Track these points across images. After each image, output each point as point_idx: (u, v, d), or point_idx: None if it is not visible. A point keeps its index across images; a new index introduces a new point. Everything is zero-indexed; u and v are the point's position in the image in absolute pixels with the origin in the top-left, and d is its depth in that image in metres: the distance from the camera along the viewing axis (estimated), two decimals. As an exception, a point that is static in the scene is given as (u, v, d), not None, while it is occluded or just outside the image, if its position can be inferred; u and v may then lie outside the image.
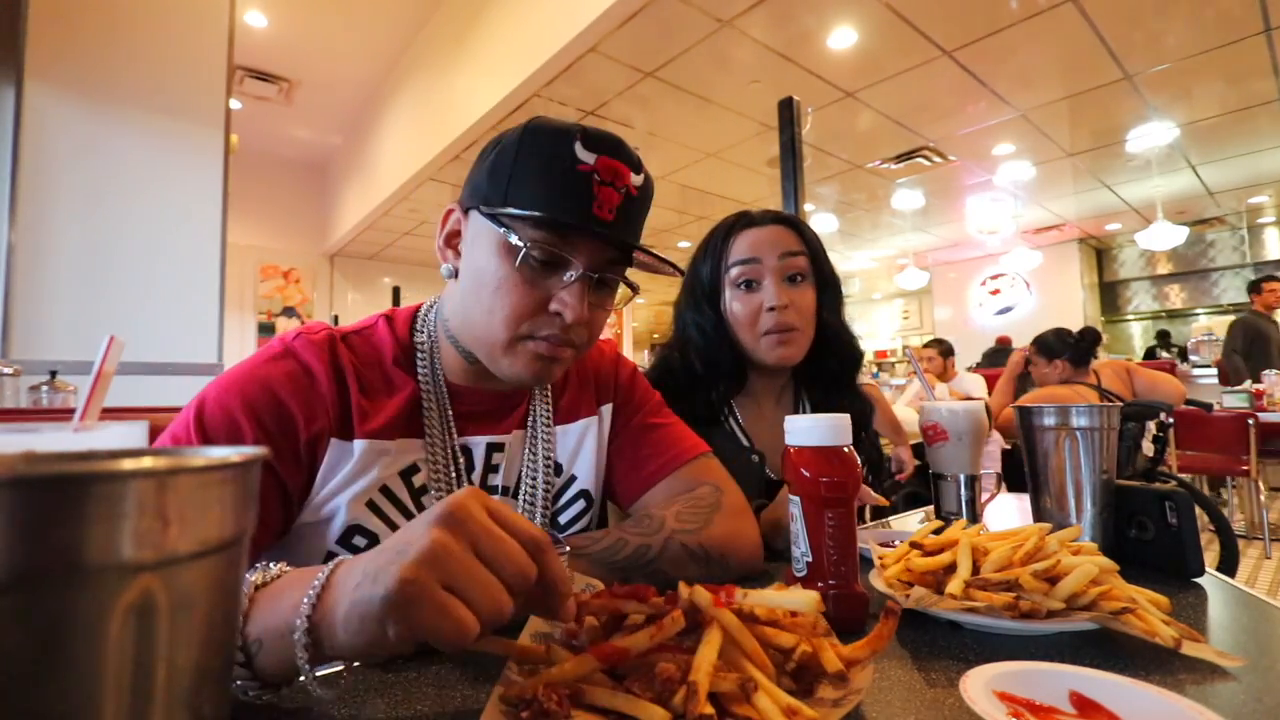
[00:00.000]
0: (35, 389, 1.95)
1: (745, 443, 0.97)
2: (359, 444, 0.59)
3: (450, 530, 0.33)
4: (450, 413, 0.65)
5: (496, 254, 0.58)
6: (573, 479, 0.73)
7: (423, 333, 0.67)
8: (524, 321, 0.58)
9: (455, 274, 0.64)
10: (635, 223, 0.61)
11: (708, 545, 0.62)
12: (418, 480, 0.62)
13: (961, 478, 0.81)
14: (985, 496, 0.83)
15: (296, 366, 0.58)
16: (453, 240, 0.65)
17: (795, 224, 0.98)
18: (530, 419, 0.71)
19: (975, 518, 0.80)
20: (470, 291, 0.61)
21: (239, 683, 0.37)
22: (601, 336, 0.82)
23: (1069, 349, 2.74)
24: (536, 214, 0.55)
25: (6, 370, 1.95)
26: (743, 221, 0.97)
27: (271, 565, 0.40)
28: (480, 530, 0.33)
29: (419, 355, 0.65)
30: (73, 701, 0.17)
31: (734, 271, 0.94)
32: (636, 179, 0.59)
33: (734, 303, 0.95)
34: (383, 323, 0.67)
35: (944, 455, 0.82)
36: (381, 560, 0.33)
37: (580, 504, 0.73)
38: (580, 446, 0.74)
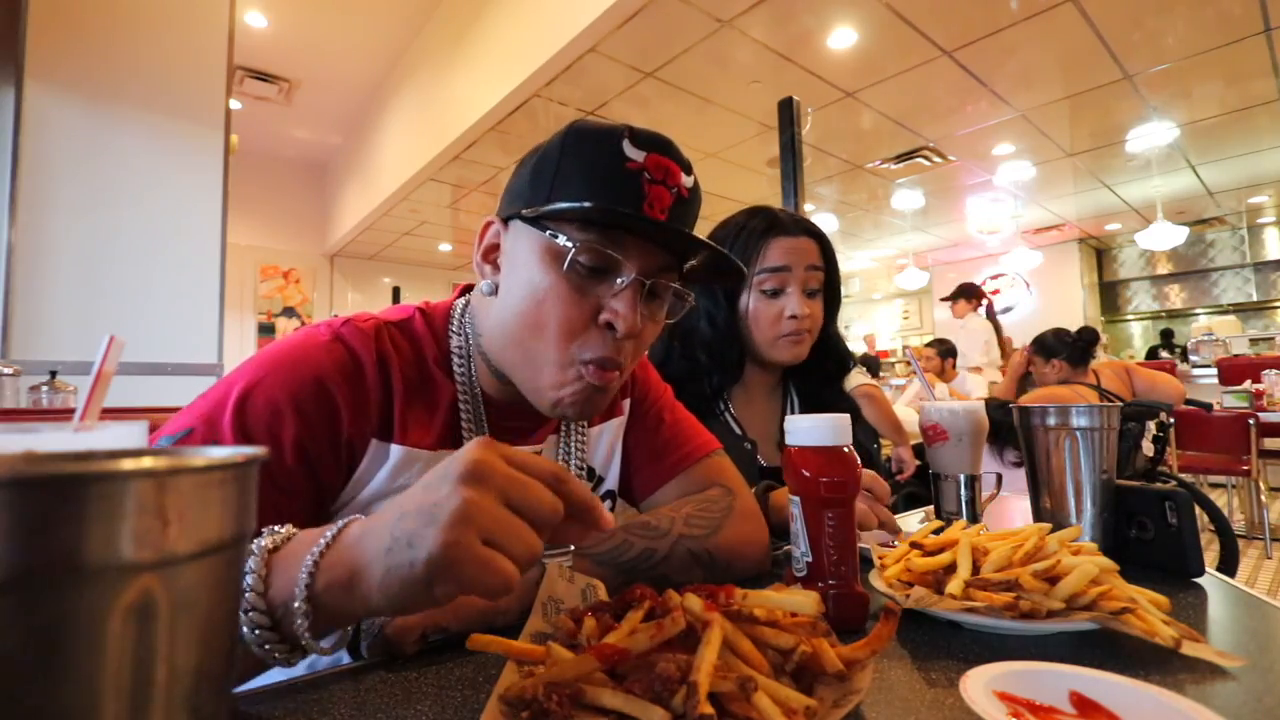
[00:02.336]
0: (35, 389, 1.95)
1: (738, 431, 1.01)
2: (395, 449, 0.56)
3: (478, 486, 0.34)
4: (486, 424, 0.62)
5: (541, 262, 0.54)
6: (600, 481, 0.71)
7: (460, 336, 0.63)
8: (574, 339, 0.54)
9: (495, 290, 0.59)
10: (688, 226, 0.57)
11: (714, 551, 0.62)
12: None
13: (961, 478, 0.81)
14: (985, 496, 0.83)
15: (346, 357, 0.55)
16: (491, 254, 0.60)
17: (819, 237, 1.03)
18: (564, 426, 0.68)
19: (975, 518, 0.81)
20: (512, 307, 0.56)
21: (266, 647, 0.37)
22: (653, 372, 0.81)
23: (1066, 349, 2.77)
24: (586, 204, 0.51)
25: (6, 370, 1.95)
26: (776, 228, 1.00)
27: (279, 528, 0.40)
28: (505, 480, 0.35)
29: (456, 360, 0.62)
30: (73, 701, 0.17)
31: (762, 277, 0.98)
32: (688, 180, 0.56)
33: (757, 304, 0.99)
34: (420, 317, 0.63)
35: (944, 455, 0.82)
36: (412, 524, 0.34)
37: (607, 505, 0.71)
38: (609, 447, 0.72)
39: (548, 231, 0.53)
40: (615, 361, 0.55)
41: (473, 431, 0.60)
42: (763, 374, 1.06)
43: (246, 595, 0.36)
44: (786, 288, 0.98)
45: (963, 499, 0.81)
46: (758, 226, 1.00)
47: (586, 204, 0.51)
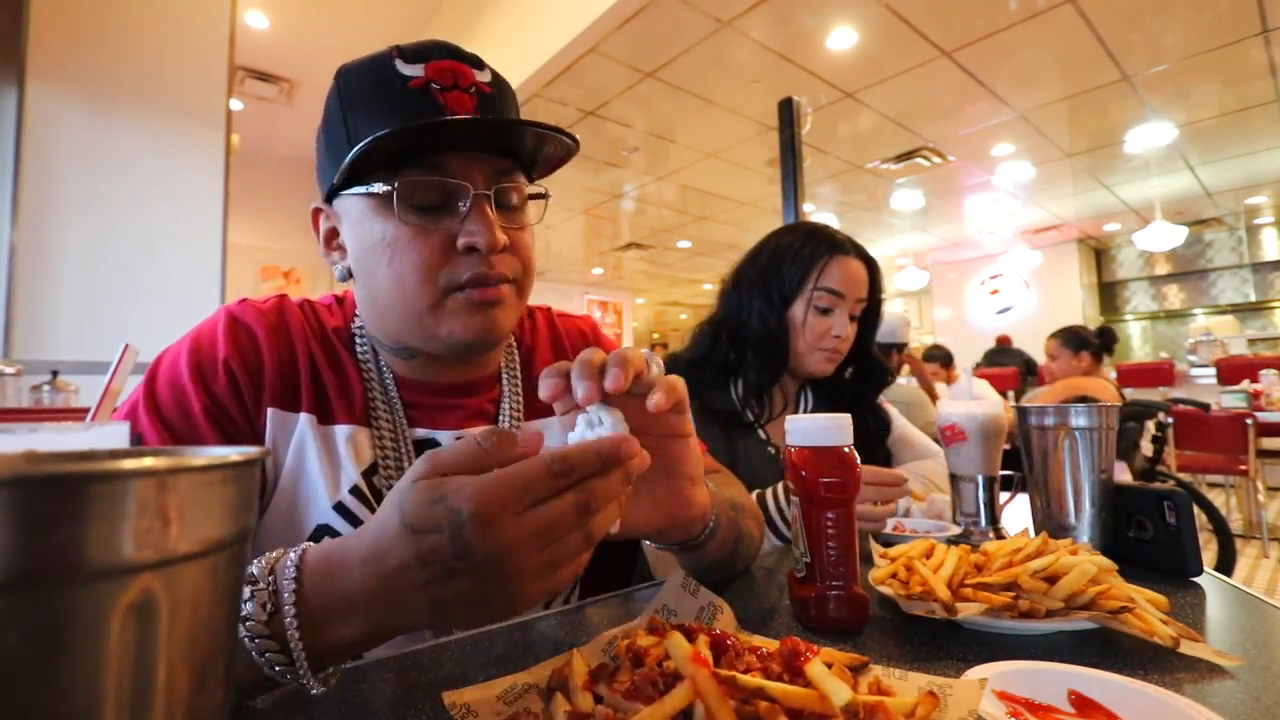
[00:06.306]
0: (37, 389, 1.95)
1: (763, 437, 1.04)
2: (303, 419, 0.56)
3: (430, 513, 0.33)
4: (398, 400, 0.60)
5: (376, 218, 0.52)
6: None
7: (359, 319, 0.63)
8: (439, 273, 0.52)
9: (349, 273, 0.58)
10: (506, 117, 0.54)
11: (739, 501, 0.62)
12: (378, 482, 0.57)
13: (980, 479, 0.80)
14: (1004, 498, 0.83)
15: (236, 329, 0.56)
16: (332, 241, 0.59)
17: (873, 266, 1.09)
18: (499, 415, 0.65)
19: (994, 519, 0.80)
20: (368, 275, 0.55)
21: (277, 669, 0.35)
22: (604, 334, 0.78)
23: (1094, 344, 2.91)
24: (379, 133, 0.47)
25: (8, 370, 1.95)
26: (839, 249, 1.05)
27: (271, 553, 0.38)
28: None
29: (359, 340, 0.61)
30: (73, 701, 0.17)
31: (819, 295, 1.04)
32: (484, 75, 0.53)
33: (809, 317, 1.04)
34: (335, 301, 0.65)
35: (962, 456, 0.81)
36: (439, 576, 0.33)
37: None
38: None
39: (368, 185, 0.51)
40: (494, 276, 0.53)
41: (379, 411, 0.59)
42: (788, 379, 1.11)
43: (249, 624, 0.35)
44: (835, 309, 1.04)
45: (981, 500, 0.80)
46: (821, 246, 1.05)
47: (379, 132, 0.47)
